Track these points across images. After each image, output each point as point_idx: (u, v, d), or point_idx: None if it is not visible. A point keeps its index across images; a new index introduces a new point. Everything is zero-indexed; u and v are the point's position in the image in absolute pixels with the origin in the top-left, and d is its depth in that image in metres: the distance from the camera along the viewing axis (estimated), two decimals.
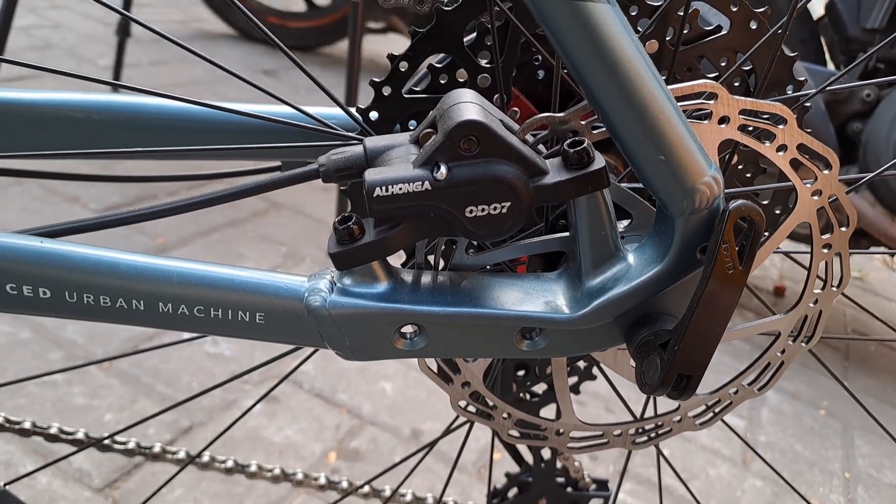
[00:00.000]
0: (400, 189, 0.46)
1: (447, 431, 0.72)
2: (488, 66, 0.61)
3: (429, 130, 0.49)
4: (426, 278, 0.51)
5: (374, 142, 0.50)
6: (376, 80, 0.61)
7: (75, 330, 1.33)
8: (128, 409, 1.18)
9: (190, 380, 1.28)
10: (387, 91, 0.61)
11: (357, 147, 0.50)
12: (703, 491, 1.38)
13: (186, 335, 1.37)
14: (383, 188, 0.46)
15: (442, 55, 0.62)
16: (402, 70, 0.61)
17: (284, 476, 0.80)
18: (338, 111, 0.66)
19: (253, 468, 0.80)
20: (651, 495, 1.34)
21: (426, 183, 0.46)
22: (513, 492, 0.84)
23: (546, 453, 0.82)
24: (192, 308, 0.49)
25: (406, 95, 0.62)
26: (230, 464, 0.80)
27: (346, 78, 1.55)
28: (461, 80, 0.62)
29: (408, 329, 0.51)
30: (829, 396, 1.83)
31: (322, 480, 0.80)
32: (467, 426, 0.76)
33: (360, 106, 0.62)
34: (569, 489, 0.84)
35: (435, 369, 0.59)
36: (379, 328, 0.50)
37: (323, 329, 0.50)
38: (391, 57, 0.61)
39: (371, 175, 0.46)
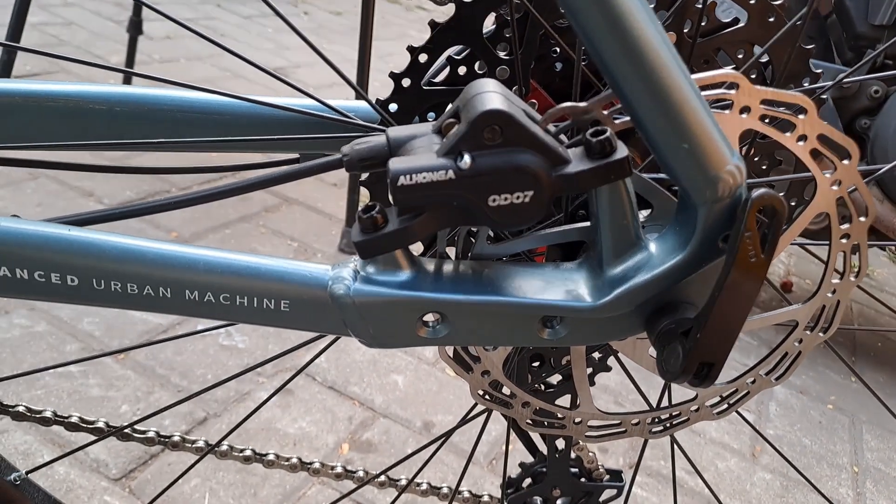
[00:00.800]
0: (424, 178, 0.46)
1: (464, 420, 0.73)
2: (507, 57, 0.62)
3: (452, 120, 0.49)
4: (448, 267, 0.52)
5: (396, 132, 0.51)
6: (396, 71, 0.62)
7: (91, 322, 1.34)
8: (143, 401, 1.19)
9: (205, 372, 1.29)
10: (406, 83, 0.62)
11: (380, 137, 0.51)
12: (713, 483, 1.39)
13: (202, 326, 1.38)
14: (407, 177, 0.46)
15: (461, 47, 0.62)
16: (422, 62, 0.61)
17: (301, 465, 0.81)
18: (357, 103, 0.66)
19: (271, 457, 0.81)
20: (661, 487, 1.34)
21: (450, 172, 0.46)
22: (527, 482, 0.84)
23: (560, 444, 0.82)
24: (218, 295, 0.49)
25: (425, 87, 0.62)
26: (248, 453, 0.81)
27: (357, 71, 1.55)
28: (480, 72, 0.63)
29: (430, 317, 0.51)
30: (837, 391, 1.84)
31: (339, 469, 0.81)
32: (483, 416, 0.76)
33: (379, 98, 0.62)
34: (582, 479, 0.85)
35: (454, 359, 0.59)
36: (402, 316, 0.50)
37: (346, 317, 0.50)
38: (411, 49, 0.61)
39: (395, 164, 0.47)
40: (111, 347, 1.29)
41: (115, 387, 1.21)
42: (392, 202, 0.47)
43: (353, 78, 1.75)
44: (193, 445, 0.79)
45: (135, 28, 2.31)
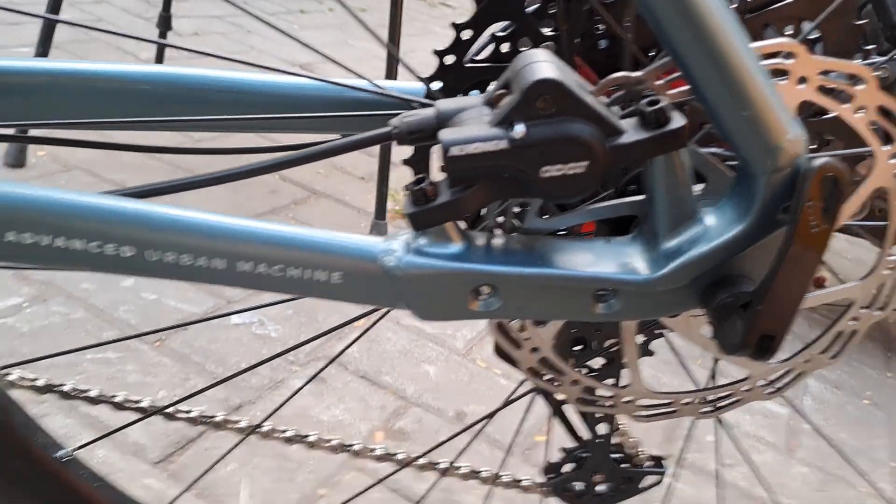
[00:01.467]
0: (476, 148, 0.46)
1: (509, 401, 0.73)
2: (552, 34, 0.61)
3: (502, 91, 0.49)
4: (499, 240, 0.51)
5: (445, 104, 0.51)
6: (440, 49, 0.62)
7: (127, 310, 1.36)
8: (180, 387, 1.20)
9: (239, 360, 1.30)
10: (450, 60, 0.62)
11: (429, 110, 0.51)
12: (750, 476, 1.37)
13: (236, 318, 1.40)
14: (459, 148, 0.46)
15: (505, 23, 0.62)
16: (466, 39, 0.61)
17: (342, 447, 0.81)
18: (399, 83, 0.66)
19: (312, 438, 0.81)
20: (698, 480, 1.33)
21: (503, 142, 0.46)
22: (568, 467, 0.84)
23: (603, 429, 0.81)
24: (272, 267, 0.49)
25: (468, 65, 0.62)
26: (290, 434, 0.81)
27: (387, 52, 1.53)
28: (523, 49, 0.62)
29: (482, 290, 0.51)
30: (873, 387, 1.80)
31: (379, 452, 0.81)
32: (525, 400, 0.76)
33: (423, 76, 0.62)
34: (624, 465, 0.84)
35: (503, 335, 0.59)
36: (454, 288, 0.50)
37: (398, 289, 0.50)
38: (455, 26, 0.61)
39: (447, 135, 0.47)
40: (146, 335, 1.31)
41: (151, 373, 1.22)
42: (444, 173, 0.47)
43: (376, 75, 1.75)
44: (236, 426, 0.80)
45: (164, 24, 2.33)
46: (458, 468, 0.84)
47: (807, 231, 0.46)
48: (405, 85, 0.66)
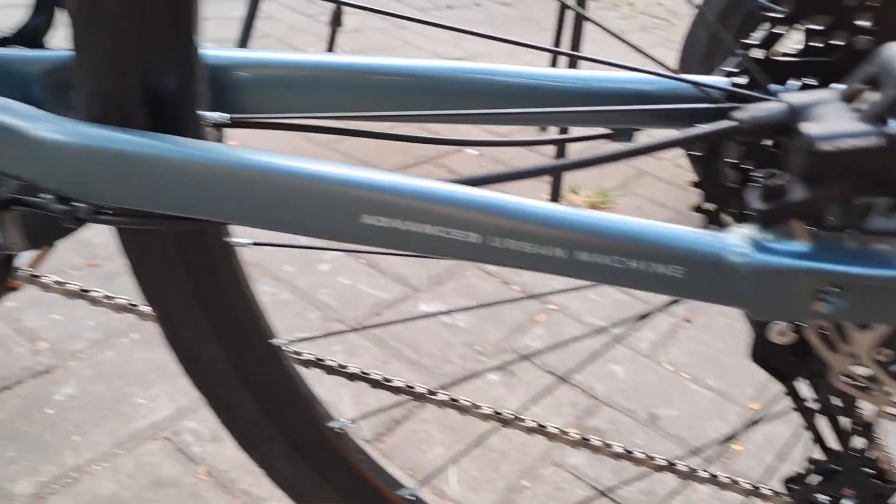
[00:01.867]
0: (849, 144, 0.45)
1: (774, 415, 0.70)
2: (870, 28, 0.59)
3: (864, 87, 0.48)
4: (847, 240, 0.50)
5: (797, 98, 0.50)
6: (748, 41, 0.60)
7: (327, 293, 1.42)
8: (382, 369, 1.25)
9: (431, 347, 1.34)
10: (758, 55, 0.60)
11: (778, 104, 0.50)
12: None
13: (423, 303, 1.43)
14: (830, 143, 0.45)
15: (818, 16, 0.60)
16: (776, 32, 0.59)
17: (582, 442, 0.82)
18: (695, 76, 0.65)
19: (552, 430, 0.82)
20: None
21: (879, 139, 0.44)
22: (813, 478, 0.80)
23: (858, 442, 0.78)
24: (611, 258, 0.50)
25: (777, 59, 0.60)
26: (531, 424, 0.83)
27: (553, 41, 1.51)
28: (837, 44, 0.60)
29: (827, 291, 0.49)
30: None
31: (617, 449, 0.81)
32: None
33: (730, 70, 0.61)
34: (876, 480, 0.80)
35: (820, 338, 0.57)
36: (799, 288, 0.49)
37: (739, 286, 0.49)
38: (770, 19, 0.59)
39: (813, 129, 0.46)
40: (346, 317, 1.36)
41: (356, 354, 1.28)
42: (807, 170, 0.46)
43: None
44: (479, 411, 0.82)
45: (336, 20, 2.43)
46: (696, 471, 0.83)
47: None
48: (703, 78, 0.65)
